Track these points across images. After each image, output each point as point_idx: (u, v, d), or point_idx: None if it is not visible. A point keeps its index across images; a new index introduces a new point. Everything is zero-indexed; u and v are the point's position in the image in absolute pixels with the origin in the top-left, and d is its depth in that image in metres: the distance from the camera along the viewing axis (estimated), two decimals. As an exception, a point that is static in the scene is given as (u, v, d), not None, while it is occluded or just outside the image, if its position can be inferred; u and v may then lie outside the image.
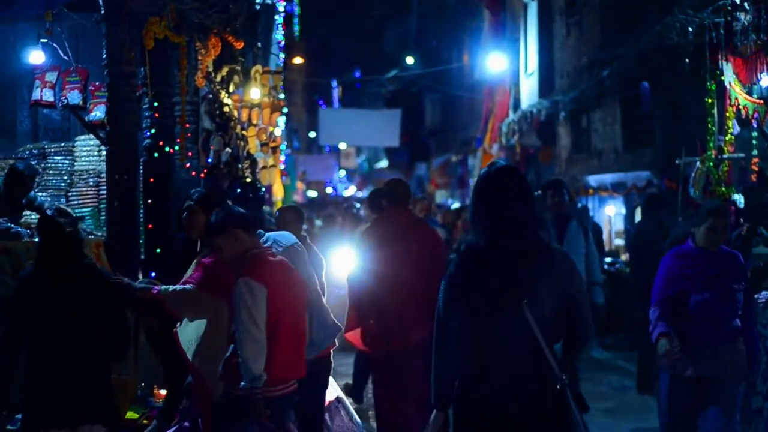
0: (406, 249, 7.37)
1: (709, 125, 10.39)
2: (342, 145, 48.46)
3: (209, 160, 10.76)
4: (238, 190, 8.56)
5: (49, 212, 5.71)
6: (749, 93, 9.66)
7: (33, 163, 9.30)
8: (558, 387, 4.19)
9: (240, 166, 12.72)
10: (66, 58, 8.72)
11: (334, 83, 50.75)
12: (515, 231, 4.26)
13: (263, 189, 13.18)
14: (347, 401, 7.25)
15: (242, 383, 5.20)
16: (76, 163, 9.31)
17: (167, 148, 8.71)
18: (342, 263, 10.42)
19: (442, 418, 4.39)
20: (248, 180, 12.10)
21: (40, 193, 9.09)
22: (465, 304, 4.26)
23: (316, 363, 6.31)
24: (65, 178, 9.26)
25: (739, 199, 10.56)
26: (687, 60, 10.72)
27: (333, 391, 7.04)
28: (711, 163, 10.36)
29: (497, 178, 4.34)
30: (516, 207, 4.29)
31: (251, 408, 5.20)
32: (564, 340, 4.36)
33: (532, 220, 4.32)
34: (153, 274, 7.72)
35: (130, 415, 6.62)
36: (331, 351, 6.68)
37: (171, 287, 5.77)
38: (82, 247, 5.65)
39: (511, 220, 4.26)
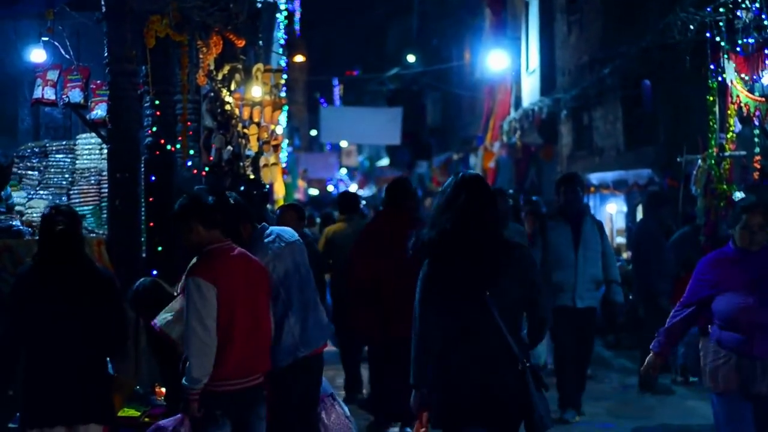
0: (403, 247, 7.63)
1: (711, 123, 10.39)
2: (343, 143, 48.43)
3: (211, 158, 10.76)
4: (242, 188, 8.56)
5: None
6: (751, 91, 9.65)
7: (34, 161, 9.29)
8: (520, 368, 4.77)
9: (241, 164, 12.73)
10: (67, 56, 8.71)
11: (336, 81, 50.72)
12: (479, 230, 4.86)
13: (267, 186, 13.18)
14: (339, 398, 7.28)
15: (183, 380, 5.22)
16: (77, 162, 9.30)
17: (169, 147, 8.70)
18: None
19: (420, 396, 5.01)
20: (252, 177, 12.09)
21: (41, 191, 9.10)
22: (437, 297, 4.89)
23: (310, 360, 6.32)
24: (66, 176, 9.25)
25: (740, 197, 10.56)
26: (687, 58, 10.72)
27: (326, 387, 7.07)
28: (712, 161, 10.36)
29: (464, 184, 4.94)
30: (480, 209, 4.88)
31: (184, 405, 5.27)
32: (527, 326, 4.98)
33: (494, 220, 4.93)
34: (154, 272, 7.72)
35: (131, 413, 6.60)
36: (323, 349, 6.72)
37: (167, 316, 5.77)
38: (82, 246, 5.63)
39: (476, 220, 4.86)
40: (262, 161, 15.14)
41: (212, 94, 11.08)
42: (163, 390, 6.83)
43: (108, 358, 5.71)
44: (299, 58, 38.82)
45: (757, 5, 9.18)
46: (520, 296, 4.85)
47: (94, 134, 9.06)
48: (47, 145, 9.46)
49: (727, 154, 10.21)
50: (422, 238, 4.97)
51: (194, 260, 5.45)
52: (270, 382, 5.76)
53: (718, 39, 9.90)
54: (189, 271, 5.28)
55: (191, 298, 5.19)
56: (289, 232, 6.37)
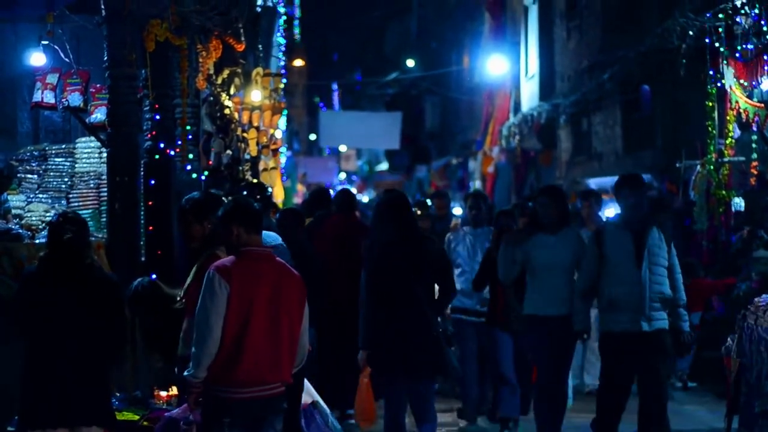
0: (348, 242, 9.17)
1: (710, 128, 10.41)
2: (342, 148, 48.43)
3: (210, 163, 10.76)
4: (244, 192, 8.57)
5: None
6: (750, 96, 9.68)
7: (34, 165, 9.30)
8: (434, 333, 6.84)
9: (240, 168, 12.74)
10: (67, 59, 8.72)
11: (335, 86, 50.76)
12: (404, 232, 6.88)
13: (270, 190, 13.15)
14: (323, 405, 7.23)
15: (184, 371, 5.24)
16: (76, 165, 9.31)
17: (168, 151, 8.72)
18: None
19: (366, 355, 6.96)
20: (255, 181, 12.09)
21: (41, 195, 9.11)
22: (376, 280, 6.88)
23: None
24: (66, 180, 9.26)
25: (739, 202, 10.58)
26: (684, 63, 10.73)
27: (308, 396, 7.04)
28: (711, 167, 10.38)
29: (392, 201, 7.06)
30: (405, 219, 6.94)
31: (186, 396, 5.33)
32: (438, 296, 7.07)
33: (414, 225, 7.08)
34: (153, 275, 7.72)
35: (130, 416, 6.62)
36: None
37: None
38: (88, 251, 5.65)
39: (402, 226, 6.89)
40: (261, 165, 15.16)
41: (212, 98, 11.10)
42: (162, 394, 6.84)
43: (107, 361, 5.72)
44: (298, 62, 38.84)
45: (756, 11, 9.20)
46: (433, 277, 6.95)
47: (93, 138, 9.07)
48: (47, 148, 9.47)
49: (726, 159, 10.23)
50: (371, 243, 6.96)
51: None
52: None
53: (717, 45, 9.92)
54: (213, 264, 5.27)
55: (204, 290, 5.18)
56: (270, 236, 6.28)
